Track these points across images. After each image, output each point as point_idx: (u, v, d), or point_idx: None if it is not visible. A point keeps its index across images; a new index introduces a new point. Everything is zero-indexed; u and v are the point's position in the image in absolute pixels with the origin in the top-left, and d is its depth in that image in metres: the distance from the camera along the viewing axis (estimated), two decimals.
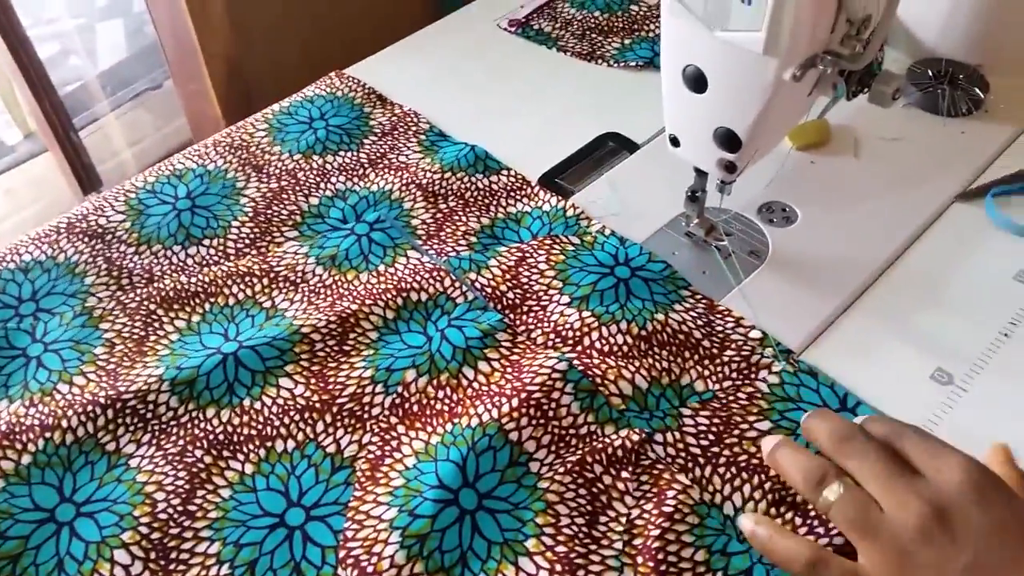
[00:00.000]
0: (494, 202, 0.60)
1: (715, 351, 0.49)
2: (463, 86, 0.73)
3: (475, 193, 0.61)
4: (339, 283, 0.55)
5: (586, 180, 0.63)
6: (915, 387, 0.49)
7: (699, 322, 0.50)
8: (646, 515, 0.42)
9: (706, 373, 0.48)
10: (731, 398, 0.47)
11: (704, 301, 0.52)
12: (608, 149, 0.65)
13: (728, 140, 0.48)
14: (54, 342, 0.52)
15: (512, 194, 0.61)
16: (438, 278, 0.54)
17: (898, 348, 0.51)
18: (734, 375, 0.48)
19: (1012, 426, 0.47)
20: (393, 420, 0.47)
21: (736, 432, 0.45)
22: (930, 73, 0.67)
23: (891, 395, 0.48)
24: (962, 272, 0.55)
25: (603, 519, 0.42)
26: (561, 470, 0.44)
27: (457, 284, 0.54)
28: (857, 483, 0.37)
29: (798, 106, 0.48)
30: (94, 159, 1.30)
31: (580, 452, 0.45)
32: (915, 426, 0.39)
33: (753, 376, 0.48)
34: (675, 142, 0.51)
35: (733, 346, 0.49)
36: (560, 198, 0.60)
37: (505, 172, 0.62)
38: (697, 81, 0.46)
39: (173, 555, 0.42)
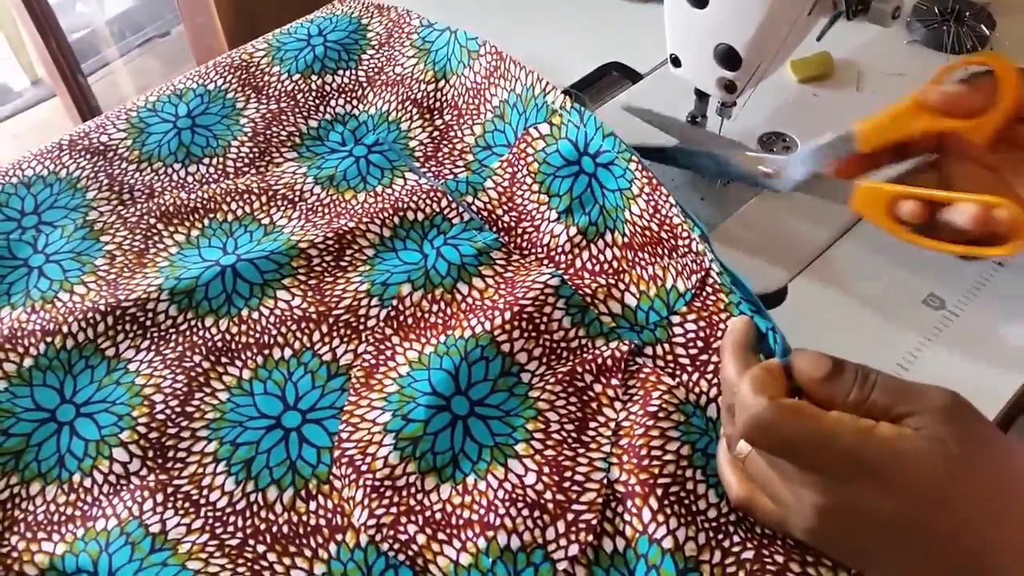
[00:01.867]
0: (481, 99, 0.60)
1: (673, 242, 0.48)
2: (468, 16, 0.72)
3: (466, 97, 0.60)
4: (336, 202, 0.55)
5: (589, 108, 0.62)
6: (907, 310, 0.49)
7: (649, 210, 0.49)
8: (632, 416, 0.43)
9: (679, 268, 0.48)
10: (704, 293, 0.47)
11: (645, 175, 0.50)
12: (611, 78, 0.65)
13: (728, 58, 0.48)
14: (55, 253, 0.52)
15: (493, 80, 0.60)
16: (435, 199, 0.54)
17: (892, 273, 0.51)
18: (692, 265, 0.48)
19: (1001, 351, 0.48)
20: (388, 331, 0.48)
21: (720, 333, 0.46)
22: (936, 10, 0.67)
23: (883, 317, 0.49)
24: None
25: (593, 424, 0.43)
26: (552, 380, 0.45)
27: (454, 205, 0.54)
28: None
29: (799, 25, 0.48)
30: (102, 104, 1.30)
31: (571, 363, 0.46)
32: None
33: (702, 264, 0.47)
34: (676, 62, 0.51)
35: (678, 231, 0.48)
36: (529, 72, 0.58)
37: (483, 50, 0.61)
38: None
39: (171, 454, 0.43)
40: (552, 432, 0.43)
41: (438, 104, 0.61)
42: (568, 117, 0.54)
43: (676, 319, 0.47)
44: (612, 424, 0.43)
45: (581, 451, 0.42)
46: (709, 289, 0.47)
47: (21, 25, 1.30)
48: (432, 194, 0.54)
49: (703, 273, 0.47)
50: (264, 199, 0.55)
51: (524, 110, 0.57)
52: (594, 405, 0.44)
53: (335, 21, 0.67)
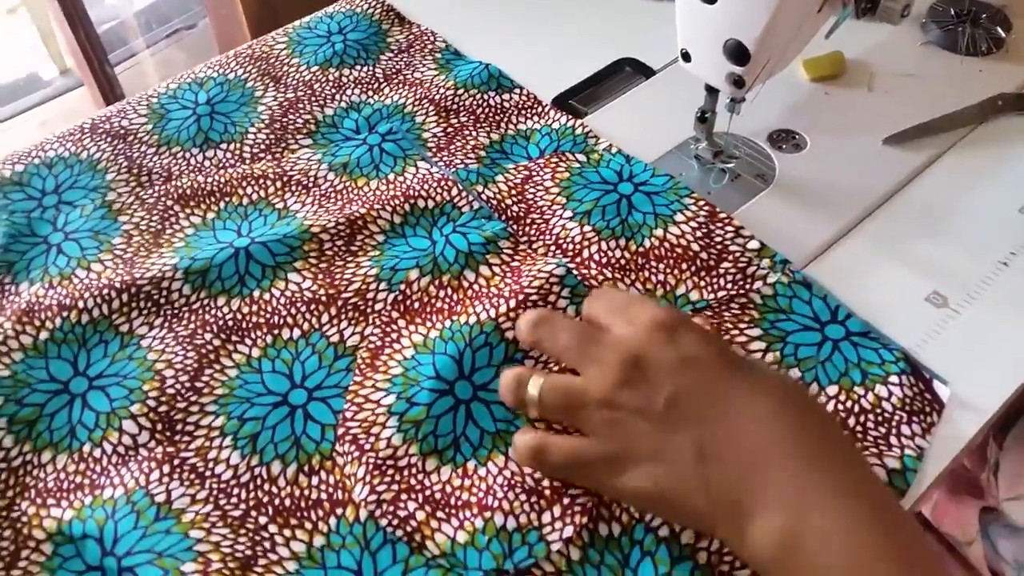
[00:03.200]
0: (505, 119, 0.61)
1: (712, 263, 0.50)
2: (484, 8, 0.73)
3: (487, 110, 0.62)
4: (349, 188, 0.56)
5: (600, 102, 0.63)
6: (910, 307, 0.50)
7: (698, 233, 0.51)
8: None
9: (701, 284, 0.49)
10: (724, 307, 0.48)
11: (706, 208, 0.53)
12: (624, 74, 0.66)
13: (737, 53, 0.48)
14: (74, 231, 0.54)
15: (523, 112, 0.62)
16: (446, 187, 0.55)
17: (895, 270, 0.51)
18: (729, 286, 0.49)
19: (1002, 349, 0.48)
20: (395, 315, 0.49)
21: (726, 338, 0.46)
22: (952, 12, 0.67)
23: (885, 313, 0.49)
24: (967, 203, 0.55)
25: None
26: (556, 369, 0.45)
27: (464, 194, 0.55)
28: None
29: (807, 22, 0.48)
30: (128, 94, 1.32)
31: None
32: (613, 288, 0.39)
33: (748, 287, 0.49)
34: (686, 57, 0.52)
35: (730, 257, 0.50)
36: (570, 117, 0.60)
37: (517, 91, 0.63)
38: None
39: (179, 427, 0.44)
40: (555, 423, 0.43)
41: (455, 107, 0.62)
42: (611, 156, 0.57)
43: None
44: None
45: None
46: (736, 307, 0.48)
47: (52, 16, 1.32)
48: (443, 182, 0.55)
49: (739, 293, 0.49)
50: (279, 184, 0.56)
51: (557, 139, 0.59)
52: None
53: (355, 20, 0.68)
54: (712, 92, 0.54)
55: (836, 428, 0.37)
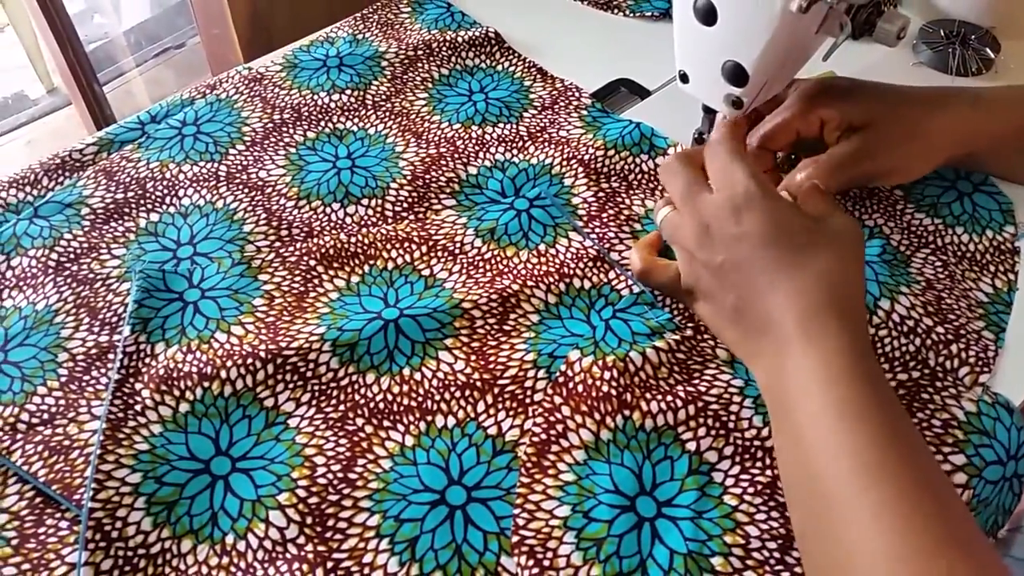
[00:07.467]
0: (659, 185, 0.57)
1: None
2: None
3: (639, 176, 0.58)
4: (498, 258, 0.53)
5: None
6: None
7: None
8: None
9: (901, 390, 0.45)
10: (924, 426, 0.44)
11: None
12: (619, 95, 0.65)
13: (736, 75, 0.47)
14: (212, 289, 0.51)
15: None
16: (603, 268, 0.51)
17: None
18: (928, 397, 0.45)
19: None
20: (557, 400, 0.45)
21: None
22: (942, 33, 0.67)
23: None
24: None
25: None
26: (751, 490, 0.41)
27: (623, 277, 0.51)
28: None
29: (805, 44, 0.47)
30: (116, 114, 1.30)
31: (771, 473, 0.42)
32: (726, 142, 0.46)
33: (949, 402, 0.45)
34: (684, 78, 0.51)
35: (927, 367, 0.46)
36: None
37: (673, 148, 0.59)
38: (707, 13, 0.46)
39: (331, 523, 0.41)
40: (753, 550, 0.39)
41: (606, 170, 0.58)
42: None
43: None
44: None
45: (786, 574, 0.38)
46: (938, 424, 0.44)
47: (39, 34, 1.30)
48: (599, 263, 0.51)
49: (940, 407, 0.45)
50: (424, 249, 0.53)
51: None
52: None
53: (497, 79, 0.65)
54: (709, 113, 0.53)
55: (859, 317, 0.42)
